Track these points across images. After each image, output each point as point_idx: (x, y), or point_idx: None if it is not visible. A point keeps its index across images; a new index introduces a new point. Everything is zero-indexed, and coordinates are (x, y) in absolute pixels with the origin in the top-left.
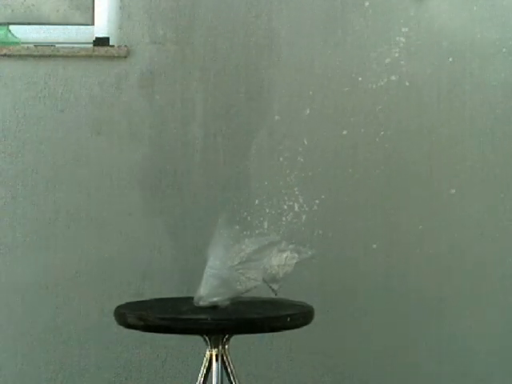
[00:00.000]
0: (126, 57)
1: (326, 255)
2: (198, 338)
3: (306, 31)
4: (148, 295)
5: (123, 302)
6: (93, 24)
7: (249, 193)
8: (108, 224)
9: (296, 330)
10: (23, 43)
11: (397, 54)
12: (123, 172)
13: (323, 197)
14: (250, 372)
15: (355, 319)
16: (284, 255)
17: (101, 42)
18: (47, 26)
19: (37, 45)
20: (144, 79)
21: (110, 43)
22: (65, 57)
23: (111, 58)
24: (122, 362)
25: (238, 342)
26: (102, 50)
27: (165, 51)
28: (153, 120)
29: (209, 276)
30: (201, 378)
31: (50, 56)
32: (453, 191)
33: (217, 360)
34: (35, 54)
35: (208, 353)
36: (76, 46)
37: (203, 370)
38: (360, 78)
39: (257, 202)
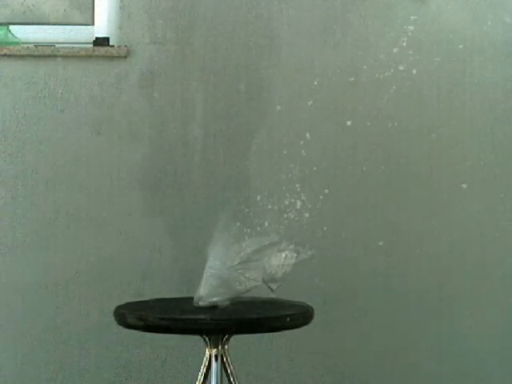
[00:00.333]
0: (125, 57)
1: (326, 255)
2: (198, 338)
3: (306, 31)
4: (148, 295)
5: (123, 301)
6: (93, 24)
7: (249, 192)
8: (108, 224)
9: (296, 330)
10: (23, 43)
11: (397, 54)
12: (123, 172)
13: (321, 197)
14: (250, 372)
15: (355, 319)
16: (283, 255)
17: (101, 42)
18: (47, 26)
19: (37, 45)
20: (144, 79)
21: (110, 43)
22: (65, 57)
23: (111, 57)
24: (122, 362)
25: (238, 342)
26: (101, 49)
27: (165, 51)
28: (153, 120)
29: (208, 276)
30: (201, 377)
31: (49, 56)
32: (464, 186)
33: (216, 360)
34: (35, 54)
35: (207, 353)
36: (76, 45)
37: (203, 370)
38: (360, 78)
39: (259, 197)
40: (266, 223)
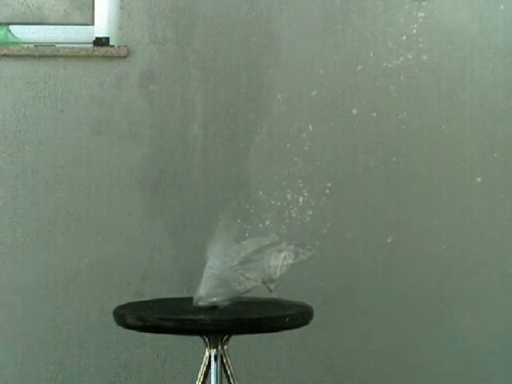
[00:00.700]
0: (125, 57)
1: (326, 255)
2: (198, 338)
3: (306, 31)
4: (148, 295)
5: (123, 302)
6: (93, 24)
7: (249, 192)
8: (108, 224)
9: (296, 330)
10: (23, 43)
11: (397, 57)
12: (123, 172)
13: (323, 197)
14: (250, 372)
15: (355, 319)
16: (282, 255)
17: (101, 42)
18: (47, 26)
19: (37, 45)
20: (144, 79)
21: (110, 43)
22: (65, 57)
23: (111, 58)
24: (121, 362)
25: (238, 342)
26: (101, 50)
27: (165, 51)
28: (153, 120)
29: (208, 276)
30: (200, 376)
31: (49, 56)
32: (478, 179)
33: (216, 360)
34: (35, 54)
35: (207, 353)
36: (76, 46)
37: (203, 370)
38: (359, 80)
39: (259, 195)
40: (268, 221)
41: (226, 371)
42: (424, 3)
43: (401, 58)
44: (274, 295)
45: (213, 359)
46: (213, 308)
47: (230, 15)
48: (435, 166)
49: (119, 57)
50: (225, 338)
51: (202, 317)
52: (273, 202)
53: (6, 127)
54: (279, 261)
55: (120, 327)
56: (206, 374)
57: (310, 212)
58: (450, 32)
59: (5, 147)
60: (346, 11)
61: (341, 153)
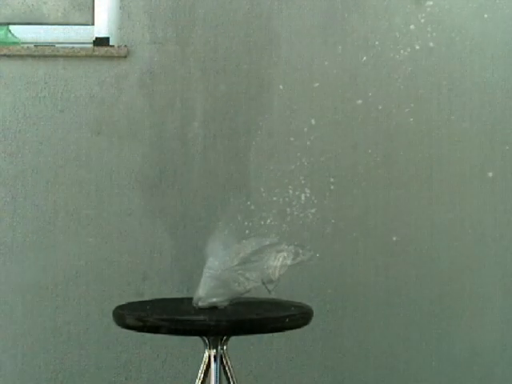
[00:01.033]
0: (125, 57)
1: (326, 255)
2: (197, 339)
3: (306, 31)
4: (148, 295)
5: (123, 302)
6: (93, 24)
7: (249, 192)
8: (108, 224)
9: (296, 330)
10: (23, 43)
11: (398, 54)
12: (123, 172)
13: (321, 198)
14: (250, 372)
15: (355, 319)
16: (281, 256)
17: (101, 42)
18: (47, 26)
19: (37, 45)
20: (144, 79)
21: (110, 43)
22: (65, 57)
23: (111, 57)
24: (122, 362)
25: (238, 343)
26: (101, 50)
27: (165, 51)
28: (153, 120)
29: (208, 277)
30: (200, 374)
31: (49, 56)
32: (490, 174)
33: (215, 360)
34: (35, 54)
35: (207, 353)
36: (76, 45)
37: (203, 370)
38: (359, 79)
39: (259, 194)
40: (269, 220)
41: (225, 371)
42: (429, 3)
43: (401, 58)
44: (273, 295)
45: (212, 359)
46: (212, 308)
47: (230, 15)
48: (435, 165)
49: (119, 57)
50: (224, 339)
51: (201, 317)
52: (275, 199)
53: (6, 127)
54: (278, 261)
55: (120, 327)
56: (206, 374)
57: (313, 210)
58: (450, 32)
59: (5, 147)
60: (347, 11)
61: (341, 152)
